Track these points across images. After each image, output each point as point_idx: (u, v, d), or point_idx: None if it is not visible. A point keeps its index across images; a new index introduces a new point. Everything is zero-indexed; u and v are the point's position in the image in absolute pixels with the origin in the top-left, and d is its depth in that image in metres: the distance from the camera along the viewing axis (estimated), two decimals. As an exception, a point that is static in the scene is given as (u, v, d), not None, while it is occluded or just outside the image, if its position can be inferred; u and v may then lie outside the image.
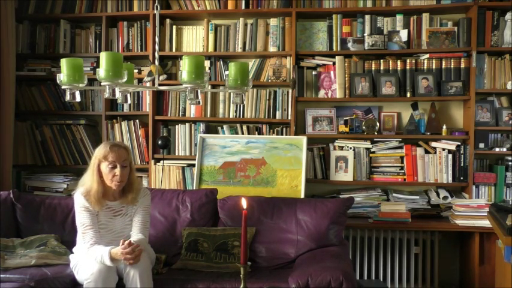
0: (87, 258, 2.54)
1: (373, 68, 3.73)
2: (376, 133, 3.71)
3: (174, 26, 3.90)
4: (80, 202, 2.64)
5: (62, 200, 3.25)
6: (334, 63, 3.75)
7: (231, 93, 2.76)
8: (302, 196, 3.46)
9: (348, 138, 3.74)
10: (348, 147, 3.72)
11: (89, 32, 4.01)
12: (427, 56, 3.66)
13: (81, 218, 2.62)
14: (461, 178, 3.62)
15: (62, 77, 2.28)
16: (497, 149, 3.59)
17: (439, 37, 3.66)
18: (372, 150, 3.70)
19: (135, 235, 2.65)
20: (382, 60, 3.72)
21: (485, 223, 3.17)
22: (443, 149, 3.64)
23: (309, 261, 2.76)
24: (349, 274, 2.58)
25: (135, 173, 2.83)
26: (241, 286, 1.87)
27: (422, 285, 3.65)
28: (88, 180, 2.66)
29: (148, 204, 2.79)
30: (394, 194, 3.66)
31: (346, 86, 3.74)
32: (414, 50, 3.69)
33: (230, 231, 3.03)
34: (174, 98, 3.89)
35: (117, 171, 2.62)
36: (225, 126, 3.83)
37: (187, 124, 3.87)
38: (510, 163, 3.56)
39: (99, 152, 2.66)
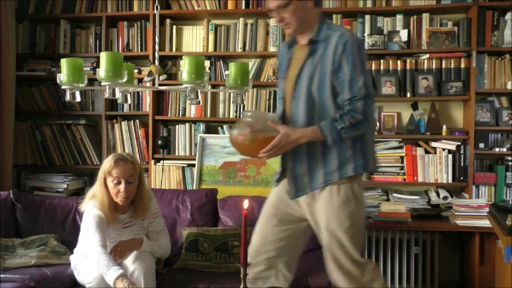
0: (93, 257, 2.43)
1: (373, 68, 3.73)
2: (376, 133, 3.71)
3: (174, 26, 3.90)
4: (93, 212, 2.53)
5: (62, 200, 3.25)
6: (334, 63, 3.75)
7: (231, 93, 2.76)
8: (302, 196, 3.45)
9: (348, 138, 3.73)
10: (348, 147, 3.72)
11: (89, 32, 4.01)
12: (427, 56, 3.66)
13: (92, 223, 2.50)
14: (461, 178, 3.62)
15: (62, 77, 2.27)
16: (497, 149, 3.58)
17: (439, 37, 3.66)
18: (372, 150, 3.70)
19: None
20: (382, 60, 3.72)
21: (485, 223, 3.16)
22: (443, 149, 3.64)
23: (309, 261, 2.76)
24: (349, 274, 2.57)
25: (146, 185, 2.70)
26: (241, 286, 1.87)
27: (422, 285, 3.65)
28: (98, 195, 2.57)
29: (157, 208, 2.75)
30: (394, 194, 3.66)
31: (346, 86, 3.73)
32: (414, 50, 3.69)
33: (230, 231, 3.03)
34: (174, 98, 3.89)
35: (122, 187, 2.52)
36: (225, 126, 3.83)
37: (187, 124, 3.87)
38: (510, 163, 3.56)
39: (105, 166, 2.56)
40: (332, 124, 2.04)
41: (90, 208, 2.57)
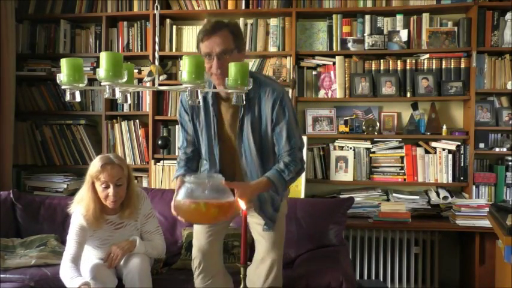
0: (60, 268, 2.46)
1: (373, 68, 3.73)
2: (376, 133, 3.71)
3: (174, 26, 3.90)
4: (77, 220, 2.54)
5: (62, 200, 3.25)
6: (334, 63, 3.75)
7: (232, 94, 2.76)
8: (302, 196, 3.46)
9: (348, 138, 3.74)
10: (348, 147, 3.73)
11: (89, 32, 4.01)
12: (427, 56, 3.66)
13: (72, 233, 2.53)
14: (461, 178, 3.62)
15: (62, 77, 2.26)
16: (497, 149, 3.59)
17: (439, 37, 3.66)
18: (372, 150, 3.71)
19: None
20: (382, 60, 3.72)
21: (485, 223, 3.16)
22: (443, 149, 3.64)
23: (309, 261, 2.76)
24: (349, 275, 2.58)
25: (135, 185, 2.66)
26: (241, 286, 1.87)
27: (422, 285, 3.65)
28: (85, 199, 2.54)
29: (150, 209, 2.72)
30: (394, 194, 3.66)
31: (346, 86, 3.74)
32: (414, 50, 3.69)
33: (230, 232, 3.02)
34: (174, 98, 3.89)
35: (110, 191, 2.48)
36: (225, 126, 3.83)
37: (187, 124, 3.87)
38: (510, 163, 3.56)
39: (92, 170, 2.51)
40: (280, 175, 2.17)
41: (76, 215, 2.55)
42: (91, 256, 2.61)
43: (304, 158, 2.32)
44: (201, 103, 2.28)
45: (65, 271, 2.42)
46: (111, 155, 2.61)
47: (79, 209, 2.55)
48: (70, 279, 2.36)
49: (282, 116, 2.18)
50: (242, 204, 1.88)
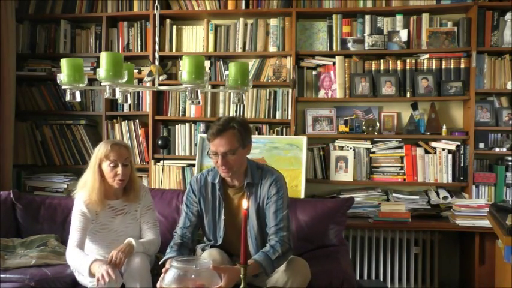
0: (67, 256, 2.56)
1: (373, 68, 3.73)
2: (376, 133, 3.71)
3: (174, 26, 3.90)
4: (79, 206, 2.61)
5: (62, 200, 3.25)
6: (334, 63, 3.75)
7: (231, 93, 2.77)
8: (302, 196, 3.46)
9: (348, 138, 3.74)
10: (348, 147, 3.73)
11: (89, 32, 4.02)
12: (427, 56, 3.66)
13: (75, 220, 2.60)
14: (461, 178, 3.62)
15: (62, 77, 2.27)
16: (497, 149, 3.59)
17: (439, 37, 3.66)
18: (372, 150, 3.71)
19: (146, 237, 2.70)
20: (382, 60, 3.72)
21: (485, 223, 3.17)
22: (443, 149, 3.64)
23: (309, 261, 2.76)
24: (349, 275, 2.58)
25: (136, 171, 2.79)
26: (241, 286, 1.87)
27: (422, 285, 3.65)
28: (89, 181, 2.61)
29: (150, 202, 2.78)
30: (394, 194, 3.66)
31: (346, 86, 3.74)
32: (414, 50, 3.69)
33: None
34: (174, 98, 3.89)
35: (119, 170, 2.57)
36: (225, 126, 3.82)
37: (187, 124, 3.87)
38: (510, 163, 3.56)
39: (100, 151, 2.61)
40: (266, 255, 2.27)
41: (78, 202, 2.62)
42: (91, 247, 2.64)
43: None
44: (210, 188, 2.50)
45: (73, 255, 2.52)
46: (114, 139, 2.69)
47: (81, 196, 2.62)
48: (79, 259, 2.47)
49: (275, 194, 2.40)
50: (244, 203, 1.89)
